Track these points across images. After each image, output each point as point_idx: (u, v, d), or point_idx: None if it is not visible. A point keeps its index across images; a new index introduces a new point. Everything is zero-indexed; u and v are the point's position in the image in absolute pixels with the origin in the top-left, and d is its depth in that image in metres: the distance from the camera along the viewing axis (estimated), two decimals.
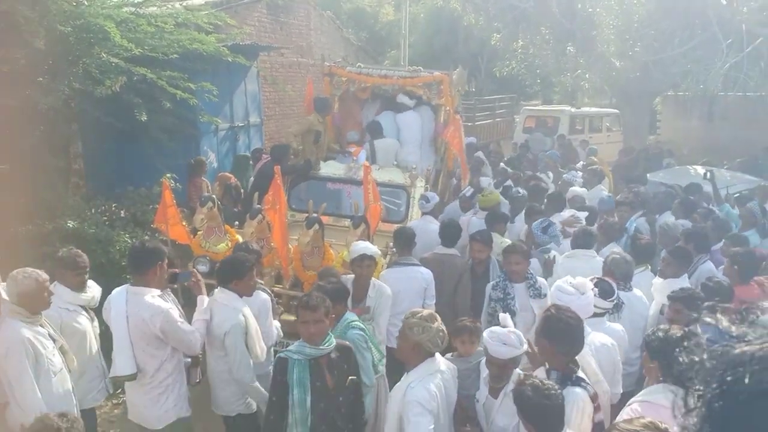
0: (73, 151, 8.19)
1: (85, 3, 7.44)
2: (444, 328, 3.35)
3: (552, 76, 17.23)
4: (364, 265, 4.77)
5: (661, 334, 2.97)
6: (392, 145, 7.79)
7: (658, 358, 2.92)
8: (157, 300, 3.82)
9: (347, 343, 3.67)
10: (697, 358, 0.70)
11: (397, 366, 3.71)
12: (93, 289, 4.30)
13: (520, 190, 7.27)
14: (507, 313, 3.56)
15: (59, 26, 6.78)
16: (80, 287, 4.18)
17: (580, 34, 13.03)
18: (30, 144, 6.43)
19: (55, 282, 4.09)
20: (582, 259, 5.40)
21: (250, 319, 3.99)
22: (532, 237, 5.96)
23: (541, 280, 4.86)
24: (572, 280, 3.74)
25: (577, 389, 2.98)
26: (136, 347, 3.80)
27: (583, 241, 5.54)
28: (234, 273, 4.02)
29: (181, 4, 9.68)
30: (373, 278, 4.87)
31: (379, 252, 4.97)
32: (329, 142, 7.87)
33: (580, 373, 3.09)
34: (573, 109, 17.60)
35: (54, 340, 3.81)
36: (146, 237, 5.77)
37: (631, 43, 13.79)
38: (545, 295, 4.61)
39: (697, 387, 0.69)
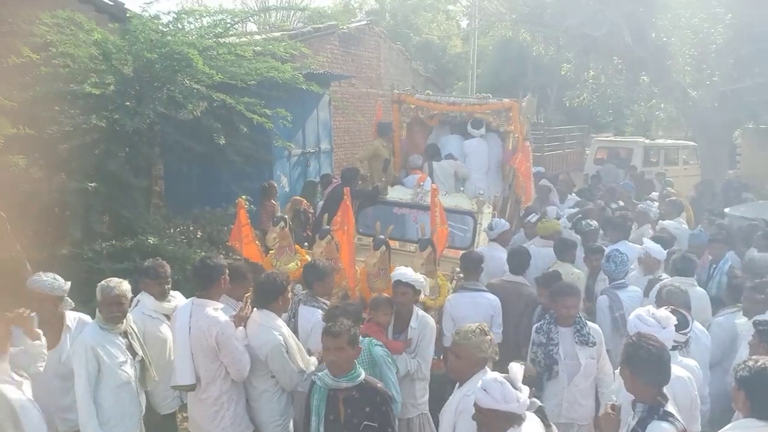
0: (155, 173, 8.55)
1: (170, 33, 7.85)
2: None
3: (624, 107, 16.88)
4: (398, 292, 4.48)
5: (751, 363, 2.80)
6: (450, 166, 7.81)
7: (746, 389, 2.74)
8: (218, 312, 3.97)
9: (382, 387, 3.48)
10: None
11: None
12: (177, 299, 4.47)
13: (592, 223, 7.04)
14: (521, 364, 3.02)
15: (146, 54, 7.15)
16: (162, 296, 4.36)
17: (653, 63, 12.69)
18: (116, 164, 6.76)
19: (141, 291, 4.32)
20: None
21: (288, 335, 4.06)
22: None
23: (592, 325, 4.48)
24: (654, 310, 3.58)
25: (665, 424, 2.79)
26: (195, 358, 3.94)
27: (682, 267, 5.31)
28: (272, 293, 4.06)
29: (260, 36, 10.09)
30: (416, 308, 4.58)
31: (422, 280, 4.61)
32: (395, 169, 7.94)
33: (669, 407, 2.89)
34: (647, 141, 17.10)
35: (135, 354, 3.95)
36: (205, 253, 5.92)
37: (708, 72, 13.34)
38: (594, 344, 4.33)
39: None
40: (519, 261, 5.54)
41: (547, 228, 6.69)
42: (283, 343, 3.95)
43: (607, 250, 5.83)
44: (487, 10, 15.73)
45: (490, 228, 6.50)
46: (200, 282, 4.08)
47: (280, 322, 4.09)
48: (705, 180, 12.67)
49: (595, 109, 18.30)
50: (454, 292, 5.43)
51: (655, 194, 10.02)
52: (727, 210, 8.99)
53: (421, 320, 4.49)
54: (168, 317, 4.37)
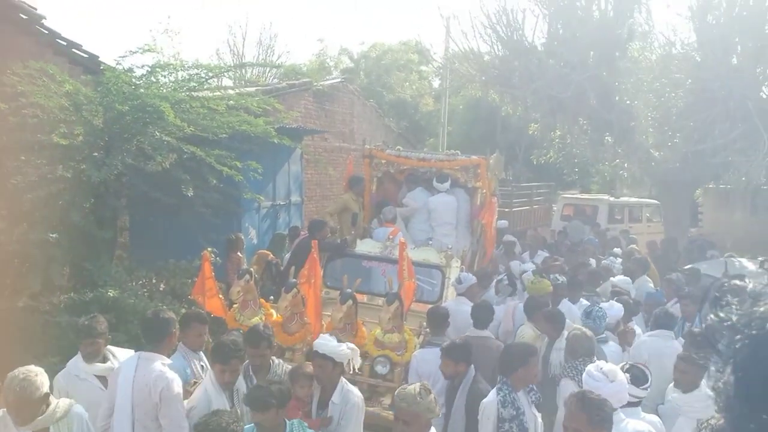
0: (120, 224, 8.40)
1: (143, 86, 7.87)
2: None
3: (590, 166, 17.26)
4: (315, 364, 4.01)
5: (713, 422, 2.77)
6: (389, 212, 7.90)
7: None
8: (166, 368, 3.77)
9: None
10: (725, 316, 0.73)
11: None
12: (119, 358, 4.12)
13: (559, 277, 7.06)
14: None
15: (117, 105, 7.13)
16: (93, 356, 4.04)
17: (618, 125, 13.07)
18: (80, 215, 6.62)
19: (78, 353, 4.07)
20: (664, 340, 5.25)
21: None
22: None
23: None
24: (603, 365, 3.56)
25: None
26: (134, 414, 3.69)
27: (664, 321, 5.40)
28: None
29: (234, 91, 10.18)
30: (343, 381, 4.06)
31: (345, 351, 4.03)
32: (364, 221, 7.95)
33: None
34: (612, 199, 17.46)
35: None
36: (160, 306, 5.76)
37: (670, 134, 13.76)
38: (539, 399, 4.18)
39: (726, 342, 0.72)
40: (483, 315, 5.46)
41: (539, 288, 6.46)
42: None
43: (583, 306, 5.86)
44: (458, 71, 16.13)
45: (458, 282, 6.48)
46: (149, 336, 3.94)
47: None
48: (668, 237, 12.89)
49: (562, 167, 18.68)
50: (421, 347, 5.34)
51: (618, 250, 10.17)
52: (694, 266, 9.11)
53: (345, 396, 3.99)
54: (102, 379, 4.04)
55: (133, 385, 3.71)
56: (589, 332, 4.67)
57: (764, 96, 12.87)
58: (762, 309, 0.61)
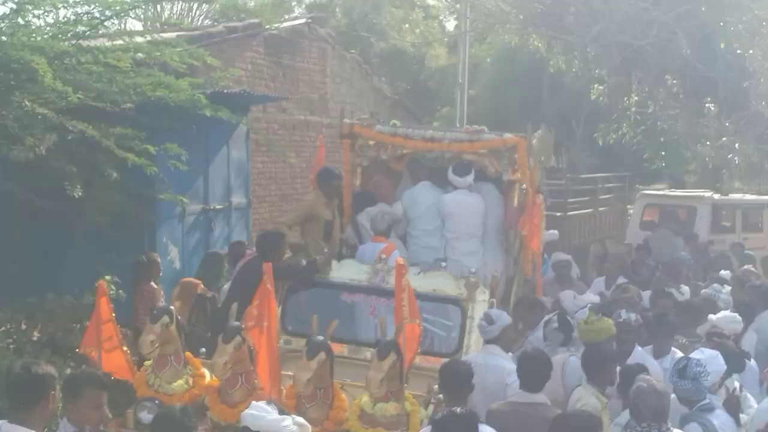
0: None
1: (6, 33, 7.87)
2: None
3: (683, 147, 17.29)
4: None
5: None
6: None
7: None
8: None
9: None
10: None
11: None
12: None
13: (634, 316, 7.03)
14: None
15: None
16: None
17: (724, 85, 13.15)
18: None
19: None
20: None
21: None
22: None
23: None
24: None
25: None
26: None
27: None
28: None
29: (144, 38, 10.18)
30: None
31: (292, 428, 4.20)
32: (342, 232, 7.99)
33: None
34: (717, 197, 17.53)
35: None
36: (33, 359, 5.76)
37: None
38: None
39: None
40: (536, 372, 5.45)
41: (597, 330, 6.41)
42: None
43: (675, 359, 5.87)
44: (483, 6, 16.23)
45: (487, 322, 6.45)
46: (17, 402, 3.99)
47: None
48: None
49: (641, 150, 18.70)
50: (431, 424, 5.30)
51: (726, 273, 10.19)
52: None
53: None
54: None
55: None
56: (660, 385, 4.76)
57: None
58: None
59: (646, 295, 8.87)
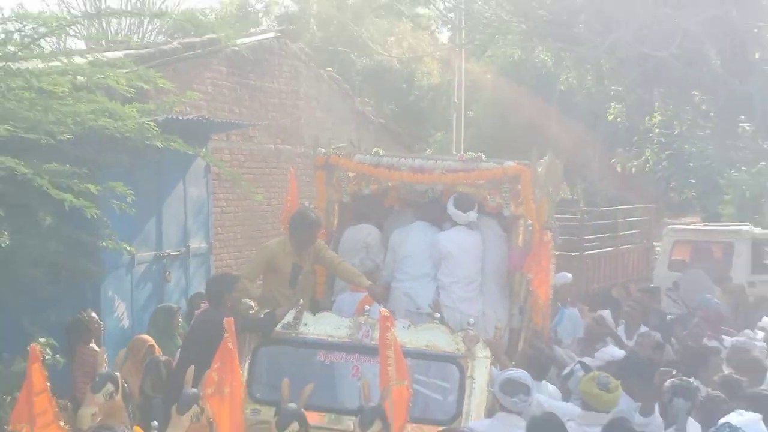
0: None
1: None
2: None
3: (716, 173, 17.43)
4: None
5: None
6: (359, 233, 8.22)
7: None
8: None
9: None
10: None
11: None
12: None
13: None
14: None
15: None
16: None
17: (761, 101, 13.29)
18: None
19: None
20: None
21: None
22: None
23: None
24: None
25: None
26: None
27: None
28: None
29: (86, 58, 10.23)
30: None
31: None
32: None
33: None
34: (758, 230, 17.61)
35: None
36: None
37: None
38: None
39: None
40: None
41: (604, 400, 6.37)
42: None
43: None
44: (480, 16, 16.40)
45: (525, 393, 6.35)
46: None
47: None
48: None
49: (668, 178, 18.81)
50: None
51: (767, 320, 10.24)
52: None
53: None
54: None
55: None
56: None
57: None
58: None
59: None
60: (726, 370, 7.71)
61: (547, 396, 7.27)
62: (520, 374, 6.48)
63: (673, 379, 6.74)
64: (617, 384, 6.57)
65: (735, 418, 6.01)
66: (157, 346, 8.30)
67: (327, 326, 7.29)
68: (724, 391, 7.02)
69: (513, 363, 7.42)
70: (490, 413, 6.66)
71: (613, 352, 8.10)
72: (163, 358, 8.14)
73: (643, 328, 10.01)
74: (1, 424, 6.54)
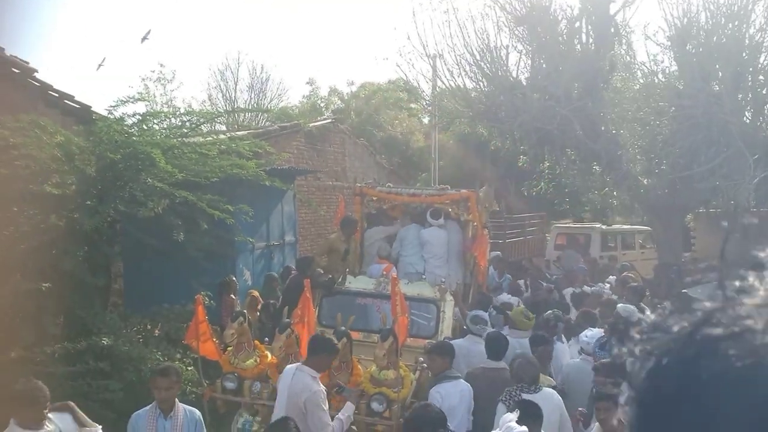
0: (114, 271, 8.38)
1: (135, 134, 7.95)
2: None
3: (580, 195, 17.35)
4: None
5: None
6: (377, 233, 8.06)
7: None
8: (313, 381, 4.48)
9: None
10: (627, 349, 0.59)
11: None
12: (55, 425, 3.80)
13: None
14: None
15: (109, 154, 7.20)
16: (36, 425, 3.66)
17: (605, 154, 13.18)
18: (72, 264, 6.60)
19: (11, 420, 3.66)
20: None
21: None
22: None
23: None
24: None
25: None
26: (287, 414, 4.23)
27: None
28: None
29: (225, 135, 10.29)
30: None
31: None
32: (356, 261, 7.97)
33: None
34: (604, 227, 17.52)
35: None
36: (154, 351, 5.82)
37: (657, 161, 13.90)
38: None
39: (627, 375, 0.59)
40: (498, 347, 5.41)
41: (525, 324, 6.39)
42: None
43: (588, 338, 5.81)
44: (446, 107, 16.34)
45: (485, 323, 6.23)
46: (310, 352, 4.68)
47: None
48: (662, 263, 12.90)
49: (553, 198, 18.78)
50: (439, 382, 5.15)
51: (612, 278, 10.17)
52: (686, 292, 9.10)
53: None
54: None
55: (287, 391, 4.52)
56: (533, 359, 4.90)
57: (747, 121, 13.06)
58: (657, 341, 0.57)
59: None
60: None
61: None
62: (481, 313, 6.48)
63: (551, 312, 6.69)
64: (533, 316, 6.59)
65: (588, 332, 5.99)
66: (258, 295, 8.30)
67: (361, 283, 7.30)
68: (585, 319, 6.99)
69: (469, 303, 7.43)
70: (455, 334, 6.68)
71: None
72: (271, 301, 8.15)
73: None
74: (180, 339, 6.54)
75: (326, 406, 4.51)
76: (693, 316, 0.55)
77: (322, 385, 4.60)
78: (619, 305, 7.19)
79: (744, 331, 0.50)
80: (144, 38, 10.65)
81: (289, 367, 4.68)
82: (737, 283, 0.55)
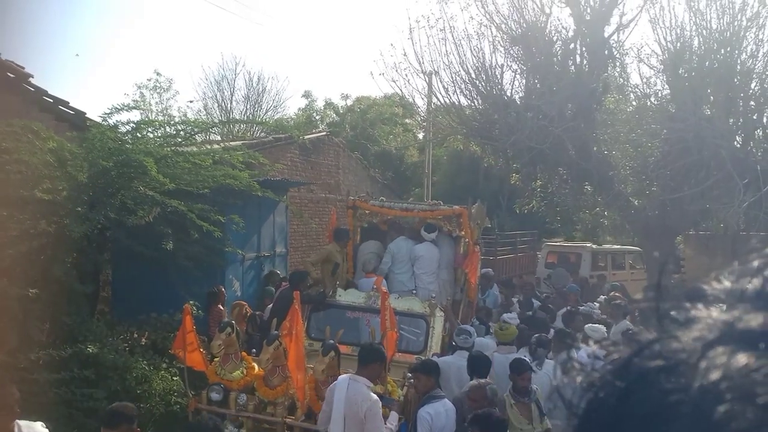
0: (103, 278, 8.32)
1: (129, 142, 7.94)
2: None
3: (572, 214, 17.43)
4: None
5: None
6: (368, 247, 8.00)
7: None
8: (370, 391, 4.57)
9: None
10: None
11: None
12: None
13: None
14: None
15: (102, 162, 7.18)
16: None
17: (597, 174, 13.28)
18: (61, 270, 6.56)
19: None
20: None
21: None
22: None
23: None
24: None
25: None
26: (346, 424, 4.42)
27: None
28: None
29: (220, 145, 10.28)
30: None
31: None
32: (347, 273, 7.92)
33: None
34: (595, 246, 17.58)
35: None
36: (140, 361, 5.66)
37: (648, 182, 13.99)
38: None
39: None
40: (481, 366, 5.36)
41: (506, 334, 6.45)
42: None
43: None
44: (440, 124, 16.44)
45: (469, 335, 6.15)
46: (362, 361, 4.67)
47: None
48: (651, 284, 12.92)
49: (544, 216, 18.86)
50: (427, 402, 5.09)
51: (603, 298, 10.18)
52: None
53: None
54: None
55: (345, 401, 4.53)
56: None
57: (737, 145, 13.19)
58: (597, 373, 0.57)
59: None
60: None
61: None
62: (466, 326, 6.47)
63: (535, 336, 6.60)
64: (513, 327, 6.58)
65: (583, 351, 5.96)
66: (246, 305, 8.24)
67: (351, 296, 7.27)
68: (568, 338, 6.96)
69: (459, 319, 7.41)
70: (443, 350, 6.65)
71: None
72: (258, 313, 8.11)
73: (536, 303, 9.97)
74: (167, 349, 6.48)
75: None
76: (630, 347, 0.54)
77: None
78: (587, 326, 7.23)
79: (677, 364, 0.49)
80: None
81: (342, 378, 4.72)
82: (676, 315, 0.54)
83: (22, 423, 3.67)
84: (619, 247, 18.67)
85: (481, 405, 4.45)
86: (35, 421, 3.87)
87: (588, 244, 17.75)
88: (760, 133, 13.83)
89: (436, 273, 7.96)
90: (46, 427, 3.79)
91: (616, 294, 10.12)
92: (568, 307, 9.05)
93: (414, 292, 7.58)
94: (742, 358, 0.46)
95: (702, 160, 12.49)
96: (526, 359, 6.05)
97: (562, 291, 10.96)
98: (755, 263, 0.54)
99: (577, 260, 16.35)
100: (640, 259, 16.69)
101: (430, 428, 4.72)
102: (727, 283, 0.55)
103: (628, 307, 8.72)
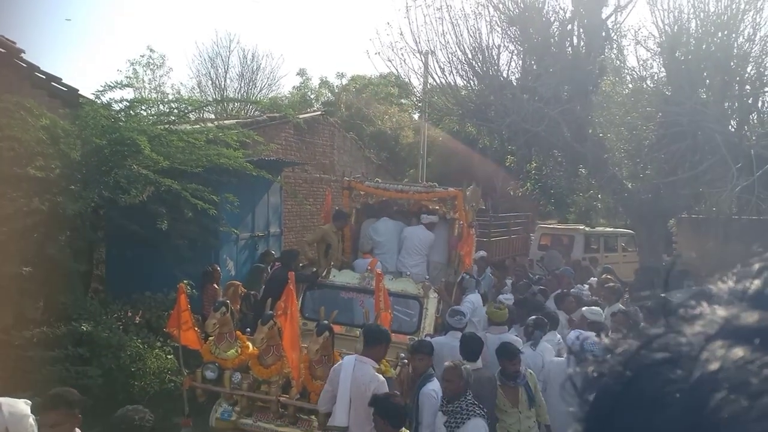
0: (96, 256, 8.32)
1: (122, 120, 7.88)
2: None
3: (566, 197, 17.45)
4: None
5: None
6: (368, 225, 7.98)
7: None
8: (377, 372, 4.59)
9: None
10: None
11: None
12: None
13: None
14: None
15: (95, 140, 7.13)
16: None
17: (591, 157, 13.26)
18: (55, 248, 6.55)
19: None
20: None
21: None
22: None
23: None
24: None
25: None
26: (353, 405, 4.44)
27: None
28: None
29: (213, 124, 10.22)
30: None
31: None
32: (344, 254, 7.91)
33: None
34: (587, 229, 17.65)
35: None
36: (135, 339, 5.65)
37: (642, 166, 14.00)
38: None
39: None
40: (472, 348, 5.37)
41: (499, 315, 6.47)
42: None
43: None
44: (436, 104, 16.36)
45: (462, 317, 6.16)
46: (368, 342, 4.65)
47: None
48: (644, 266, 13.04)
49: (539, 198, 18.89)
50: (428, 381, 5.02)
51: (593, 280, 10.25)
52: (667, 296, 9.20)
53: None
54: None
55: (351, 381, 4.54)
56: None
57: (732, 129, 13.20)
58: (607, 364, 0.60)
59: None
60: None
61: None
62: (459, 307, 6.52)
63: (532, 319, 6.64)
64: (505, 307, 6.64)
65: (572, 333, 6.02)
66: (240, 285, 8.24)
67: (346, 277, 7.28)
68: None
69: (452, 300, 7.44)
70: (436, 331, 6.69)
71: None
72: (252, 292, 8.12)
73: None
74: (161, 328, 6.50)
75: None
76: (638, 339, 0.57)
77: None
78: (584, 308, 7.26)
79: (680, 356, 0.52)
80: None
81: (348, 359, 4.70)
82: (682, 311, 0.58)
83: (3, 401, 3.40)
84: (611, 229, 18.76)
85: (456, 386, 4.38)
86: (23, 397, 3.86)
87: (581, 227, 17.82)
88: (755, 118, 13.84)
89: (423, 255, 7.90)
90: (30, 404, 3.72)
91: (608, 277, 10.19)
92: (562, 290, 9.12)
93: (408, 273, 7.56)
94: (738, 352, 0.50)
95: (696, 144, 12.50)
96: (519, 339, 6.14)
97: (555, 273, 11.02)
98: (756, 266, 0.59)
99: (570, 243, 16.43)
100: (632, 241, 16.78)
101: (437, 404, 4.76)
102: (730, 284, 0.59)
103: (621, 290, 8.81)
